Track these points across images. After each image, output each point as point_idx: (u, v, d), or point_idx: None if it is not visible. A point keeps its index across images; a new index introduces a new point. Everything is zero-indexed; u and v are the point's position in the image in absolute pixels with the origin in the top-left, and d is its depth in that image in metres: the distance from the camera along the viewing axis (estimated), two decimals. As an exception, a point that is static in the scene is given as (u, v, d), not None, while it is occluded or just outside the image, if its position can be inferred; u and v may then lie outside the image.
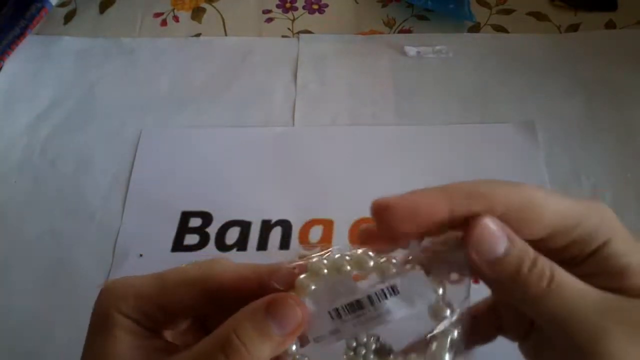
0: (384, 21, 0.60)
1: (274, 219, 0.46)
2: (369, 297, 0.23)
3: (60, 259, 0.44)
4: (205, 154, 0.50)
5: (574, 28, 0.58)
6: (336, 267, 0.24)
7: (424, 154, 0.49)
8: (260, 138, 0.51)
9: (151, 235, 0.45)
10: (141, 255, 0.44)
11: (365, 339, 0.24)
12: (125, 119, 0.52)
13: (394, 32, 0.59)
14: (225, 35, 0.59)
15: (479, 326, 0.27)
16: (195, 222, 0.46)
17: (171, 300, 0.26)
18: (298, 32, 0.59)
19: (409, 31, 0.58)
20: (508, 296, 0.24)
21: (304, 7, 0.61)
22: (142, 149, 0.50)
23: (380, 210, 0.24)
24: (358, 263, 0.24)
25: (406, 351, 0.25)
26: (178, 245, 0.45)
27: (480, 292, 0.26)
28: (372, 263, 0.24)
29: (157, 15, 0.61)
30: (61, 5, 0.61)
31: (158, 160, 0.50)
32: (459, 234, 0.24)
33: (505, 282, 0.23)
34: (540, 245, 0.24)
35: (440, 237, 0.24)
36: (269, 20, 0.60)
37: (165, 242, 0.45)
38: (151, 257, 0.44)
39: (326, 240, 0.45)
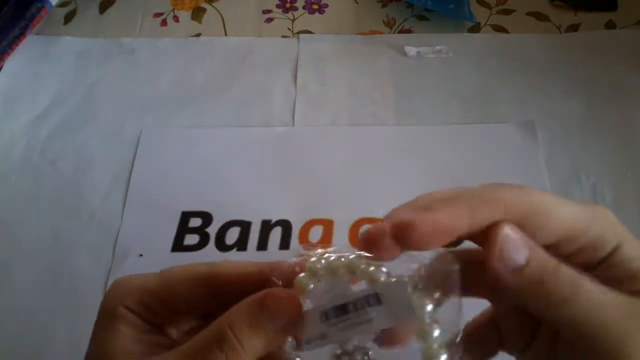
0: (384, 21, 0.60)
1: (274, 219, 0.46)
2: (354, 303, 0.23)
3: (60, 258, 0.44)
4: (205, 154, 0.50)
5: (574, 28, 0.58)
6: (332, 269, 0.24)
7: (424, 154, 0.49)
8: (260, 138, 0.51)
9: (151, 235, 0.45)
10: (141, 255, 0.44)
11: (352, 349, 0.24)
12: (125, 119, 0.52)
13: (394, 32, 0.59)
14: (225, 35, 0.59)
15: (478, 342, 0.27)
16: (195, 222, 0.46)
17: (175, 295, 0.26)
18: (298, 32, 0.59)
19: (409, 31, 0.58)
20: (529, 304, 0.24)
21: (304, 7, 0.61)
22: (142, 149, 0.50)
23: (402, 231, 0.22)
24: (350, 267, 0.24)
25: None
26: (178, 245, 0.45)
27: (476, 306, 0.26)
28: (362, 268, 0.23)
29: (157, 15, 0.61)
30: (61, 5, 0.61)
31: (158, 160, 0.50)
32: (447, 249, 0.24)
33: (528, 290, 0.23)
34: (550, 252, 0.24)
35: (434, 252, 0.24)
36: (269, 20, 0.60)
37: (165, 242, 0.45)
38: (151, 257, 0.44)
39: (326, 240, 0.45)
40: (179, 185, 0.48)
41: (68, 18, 0.61)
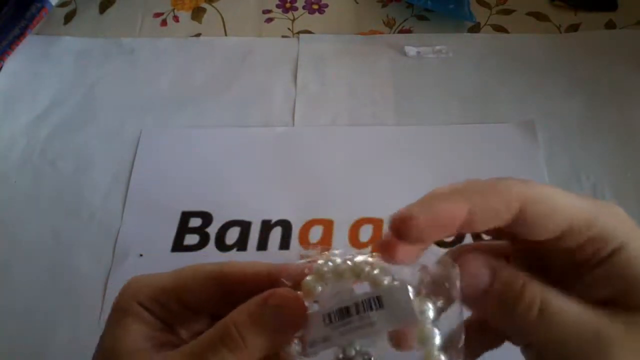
0: (384, 21, 0.60)
1: (274, 219, 0.46)
2: (356, 306, 0.23)
3: (60, 258, 0.44)
4: (205, 154, 0.50)
5: (574, 28, 0.58)
6: (338, 272, 0.24)
7: (424, 154, 0.49)
8: (261, 138, 0.51)
9: (151, 235, 0.45)
10: (141, 255, 0.44)
11: (353, 354, 0.24)
12: (125, 119, 0.52)
13: (394, 32, 0.59)
14: (225, 35, 0.59)
15: (485, 332, 0.27)
16: (195, 222, 0.46)
17: (188, 292, 0.26)
18: (298, 32, 0.59)
19: (409, 31, 0.58)
20: (502, 326, 0.24)
21: (304, 7, 0.61)
22: (142, 149, 0.50)
23: (402, 223, 0.22)
24: (355, 270, 0.24)
25: None
26: (178, 245, 0.45)
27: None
28: (367, 272, 0.23)
29: (157, 15, 0.61)
30: (61, 5, 0.61)
31: (158, 160, 0.50)
32: (449, 255, 0.24)
33: (495, 314, 0.23)
34: (556, 244, 0.24)
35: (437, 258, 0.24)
36: (269, 20, 0.60)
37: (165, 242, 0.45)
38: (151, 257, 0.44)
39: (326, 240, 0.45)
40: (179, 185, 0.48)
41: (68, 18, 0.61)
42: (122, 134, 0.51)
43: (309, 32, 0.59)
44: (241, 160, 0.49)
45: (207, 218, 0.46)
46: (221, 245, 0.45)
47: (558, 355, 0.23)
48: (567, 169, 0.48)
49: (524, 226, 0.23)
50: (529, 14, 0.59)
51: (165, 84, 0.55)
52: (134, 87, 0.55)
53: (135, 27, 0.60)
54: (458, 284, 0.23)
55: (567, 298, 0.23)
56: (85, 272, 0.44)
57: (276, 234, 0.45)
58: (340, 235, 0.45)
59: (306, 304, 0.24)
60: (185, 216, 0.46)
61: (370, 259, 0.24)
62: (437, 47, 0.56)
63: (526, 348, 0.26)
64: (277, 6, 0.61)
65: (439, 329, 0.23)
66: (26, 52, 0.57)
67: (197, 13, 0.61)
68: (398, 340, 0.24)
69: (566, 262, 0.24)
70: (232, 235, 0.45)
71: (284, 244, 0.44)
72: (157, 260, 0.44)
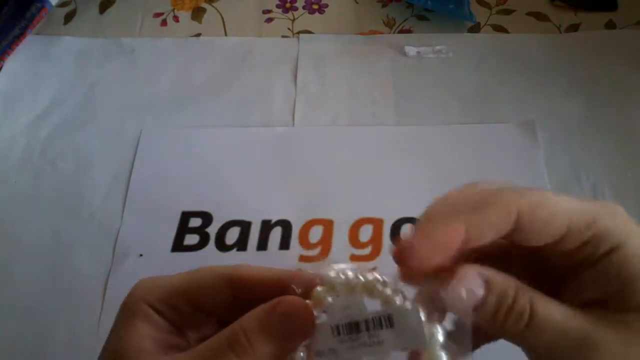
0: (384, 21, 0.60)
1: (274, 219, 0.46)
2: (366, 322, 0.23)
3: (60, 258, 0.44)
4: (205, 154, 0.50)
5: (574, 28, 0.58)
6: (350, 286, 0.24)
7: (424, 154, 0.49)
8: (260, 138, 0.51)
9: (151, 235, 0.45)
10: (141, 255, 0.44)
11: None
12: (125, 119, 0.52)
13: (394, 32, 0.59)
14: (225, 35, 0.59)
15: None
16: (195, 222, 0.46)
17: (198, 294, 0.26)
18: (298, 32, 0.59)
19: (409, 31, 0.58)
20: (493, 334, 0.24)
21: (304, 7, 0.61)
22: (142, 149, 0.50)
23: (403, 253, 0.23)
24: (368, 286, 0.24)
25: None
26: (178, 245, 0.45)
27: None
28: (379, 290, 0.24)
29: (157, 15, 0.61)
30: (61, 5, 0.61)
31: (158, 160, 0.50)
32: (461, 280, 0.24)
33: (488, 324, 0.23)
34: (555, 248, 0.24)
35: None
36: (269, 20, 0.60)
37: (165, 242, 0.45)
38: (151, 257, 0.44)
39: (326, 240, 0.45)
40: (179, 185, 0.48)
41: (68, 18, 0.61)
42: (122, 134, 0.51)
43: (309, 32, 0.59)
44: (241, 160, 0.49)
45: (207, 218, 0.46)
46: (221, 245, 0.45)
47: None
48: (567, 169, 0.48)
49: (523, 234, 0.24)
50: (529, 14, 0.59)
51: (165, 84, 0.55)
52: (134, 87, 0.55)
53: (135, 27, 0.60)
54: (470, 309, 0.23)
55: (556, 303, 0.23)
56: (85, 272, 0.44)
57: (276, 234, 0.45)
58: (340, 235, 0.45)
59: (315, 313, 0.24)
60: (185, 216, 0.46)
61: (382, 277, 0.24)
62: (437, 47, 0.56)
63: (524, 349, 0.27)
64: (277, 6, 0.61)
65: (446, 353, 0.23)
66: (26, 52, 0.57)
67: (197, 13, 0.61)
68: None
69: (563, 262, 0.24)
70: (232, 235, 0.45)
71: (284, 244, 0.44)
72: (157, 260, 0.44)
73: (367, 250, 0.44)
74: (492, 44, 0.57)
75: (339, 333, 0.23)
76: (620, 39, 0.56)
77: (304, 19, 0.60)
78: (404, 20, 0.59)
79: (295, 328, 0.24)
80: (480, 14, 0.59)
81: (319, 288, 0.24)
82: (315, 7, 0.61)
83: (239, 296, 0.26)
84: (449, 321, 0.23)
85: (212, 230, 0.45)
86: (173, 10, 0.61)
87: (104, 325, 0.41)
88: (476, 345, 0.26)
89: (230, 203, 0.46)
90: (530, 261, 0.26)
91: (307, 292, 0.25)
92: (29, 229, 0.46)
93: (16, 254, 0.45)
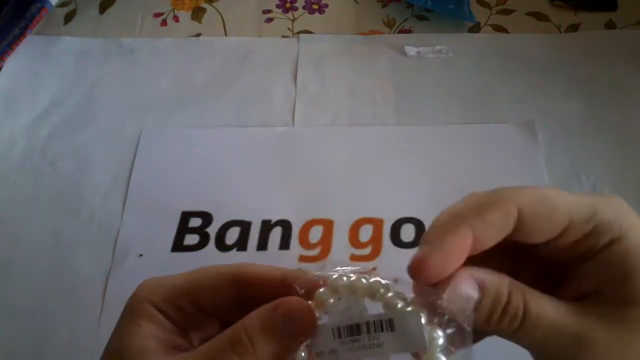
0: (384, 21, 0.60)
1: (274, 219, 0.46)
2: (367, 325, 0.23)
3: (60, 258, 0.44)
4: (205, 154, 0.50)
5: (574, 28, 0.58)
6: (352, 289, 0.24)
7: (424, 154, 0.49)
8: (260, 138, 0.51)
9: (151, 235, 0.45)
10: (141, 255, 0.44)
11: None
12: (125, 119, 0.52)
13: (394, 32, 0.59)
14: (225, 35, 0.59)
15: None
16: (195, 222, 0.46)
17: (202, 293, 0.26)
18: (298, 32, 0.59)
19: (409, 31, 0.58)
20: (488, 333, 0.25)
21: (304, 7, 0.61)
22: (142, 149, 0.50)
23: (419, 269, 0.23)
24: (370, 290, 0.24)
25: None
26: (178, 245, 0.45)
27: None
28: (381, 293, 0.24)
29: (157, 15, 0.61)
30: (61, 5, 0.61)
31: (158, 160, 0.50)
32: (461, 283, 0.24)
33: (481, 328, 0.24)
34: (556, 243, 0.24)
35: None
36: (269, 20, 0.60)
37: (165, 242, 0.45)
38: (151, 257, 0.44)
39: (326, 240, 0.45)
40: (179, 185, 0.48)
41: (68, 18, 0.61)
42: (122, 134, 0.51)
43: (309, 32, 0.59)
44: (241, 160, 0.49)
45: (207, 218, 0.46)
46: (221, 245, 0.45)
47: (541, 357, 0.24)
48: (567, 169, 0.48)
49: (525, 232, 0.24)
50: (529, 14, 0.59)
51: (165, 84, 0.55)
52: (134, 87, 0.55)
53: (135, 27, 0.60)
54: (472, 312, 0.23)
55: (550, 300, 0.23)
56: (85, 272, 0.44)
57: (276, 234, 0.45)
58: (340, 235, 0.45)
59: (317, 314, 0.24)
60: (185, 216, 0.46)
61: (384, 281, 0.24)
62: (437, 47, 0.56)
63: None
64: (277, 6, 0.61)
65: (446, 357, 0.23)
66: (26, 52, 0.57)
67: (197, 13, 0.61)
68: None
69: (565, 256, 0.25)
70: (232, 235, 0.45)
71: (284, 244, 0.44)
72: (157, 260, 0.44)
73: (367, 250, 0.44)
74: (492, 44, 0.57)
75: (340, 335, 0.24)
76: (620, 39, 0.56)
77: (304, 19, 0.60)
78: (404, 20, 0.59)
79: (297, 328, 0.24)
80: (480, 14, 0.59)
81: (321, 289, 0.25)
82: (315, 7, 0.61)
83: (242, 295, 0.26)
84: (448, 324, 0.23)
85: (212, 230, 0.45)
86: (173, 10, 0.61)
87: (104, 325, 0.41)
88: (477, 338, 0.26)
89: (230, 203, 0.46)
90: (531, 258, 0.26)
91: (309, 293, 0.25)
92: (29, 229, 0.46)
93: (16, 254, 0.45)
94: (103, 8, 0.62)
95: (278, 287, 0.26)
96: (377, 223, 0.45)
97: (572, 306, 0.23)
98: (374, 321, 0.23)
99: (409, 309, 0.23)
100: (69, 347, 0.41)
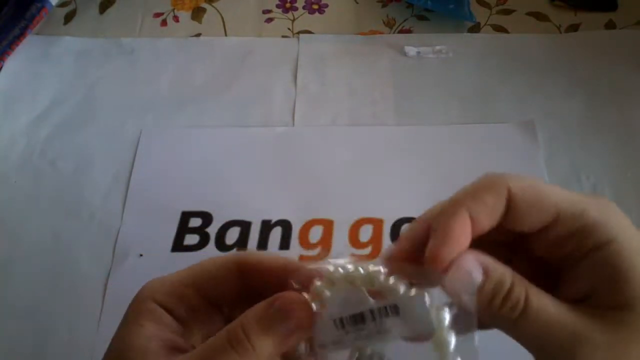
0: (384, 21, 0.60)
1: (274, 219, 0.46)
2: (372, 312, 0.24)
3: (60, 258, 0.44)
4: (205, 154, 0.50)
5: (574, 28, 0.58)
6: (350, 280, 0.24)
7: (424, 154, 0.49)
8: (260, 138, 0.51)
9: (151, 235, 0.45)
10: (141, 255, 0.44)
11: (369, 354, 0.24)
12: (125, 119, 0.52)
13: (394, 32, 0.59)
14: (225, 35, 0.59)
15: None
16: (195, 222, 0.46)
17: (206, 282, 0.27)
18: (298, 32, 0.59)
19: (409, 31, 0.58)
20: (486, 321, 0.25)
21: (304, 7, 0.61)
22: (142, 149, 0.50)
23: (436, 260, 0.24)
24: (368, 278, 0.24)
25: None
26: (178, 245, 0.45)
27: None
28: (382, 280, 0.24)
29: (157, 15, 0.61)
30: (61, 5, 0.61)
31: (158, 160, 0.50)
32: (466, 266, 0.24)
33: (482, 312, 0.24)
34: (545, 236, 0.24)
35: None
36: (269, 20, 0.60)
37: (165, 242, 0.45)
38: (151, 257, 0.44)
39: (326, 240, 0.45)
40: (179, 185, 0.48)
41: (68, 18, 0.61)
42: (122, 134, 0.51)
43: (309, 32, 0.59)
44: (241, 160, 0.49)
45: (207, 218, 0.46)
46: (221, 246, 0.45)
47: (537, 352, 0.24)
48: (567, 169, 0.48)
49: (514, 218, 0.24)
50: (529, 14, 0.59)
51: (165, 84, 0.55)
52: (134, 87, 0.55)
53: (135, 27, 0.60)
54: (474, 293, 0.23)
55: (550, 297, 0.24)
56: (85, 272, 0.44)
57: (276, 234, 0.45)
58: (340, 235, 0.45)
59: (314, 307, 0.24)
60: (185, 216, 0.46)
61: (382, 268, 0.24)
62: (437, 47, 0.56)
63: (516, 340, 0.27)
64: (277, 6, 0.61)
65: (454, 335, 0.23)
66: (26, 52, 0.57)
67: (197, 13, 0.61)
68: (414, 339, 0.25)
69: (556, 255, 0.25)
70: (232, 235, 0.45)
71: (284, 244, 0.44)
72: (157, 260, 0.44)
73: (367, 250, 0.44)
74: (492, 44, 0.57)
75: (343, 325, 0.24)
76: (620, 39, 0.56)
77: (304, 19, 0.60)
78: (404, 20, 0.59)
79: (294, 323, 0.24)
80: (480, 14, 0.59)
81: (317, 282, 0.25)
82: (315, 7, 0.61)
83: (246, 284, 0.27)
84: (450, 308, 0.24)
85: (212, 230, 0.45)
86: (173, 10, 0.61)
87: (104, 325, 0.41)
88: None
89: (230, 203, 0.46)
90: (528, 260, 0.26)
91: (306, 287, 0.25)
92: (29, 229, 0.46)
93: (16, 254, 0.45)
94: (103, 8, 0.62)
95: (281, 276, 0.26)
96: (377, 223, 0.45)
97: (570, 306, 0.24)
98: (378, 308, 0.23)
99: (412, 292, 0.24)
100: (69, 347, 0.41)
